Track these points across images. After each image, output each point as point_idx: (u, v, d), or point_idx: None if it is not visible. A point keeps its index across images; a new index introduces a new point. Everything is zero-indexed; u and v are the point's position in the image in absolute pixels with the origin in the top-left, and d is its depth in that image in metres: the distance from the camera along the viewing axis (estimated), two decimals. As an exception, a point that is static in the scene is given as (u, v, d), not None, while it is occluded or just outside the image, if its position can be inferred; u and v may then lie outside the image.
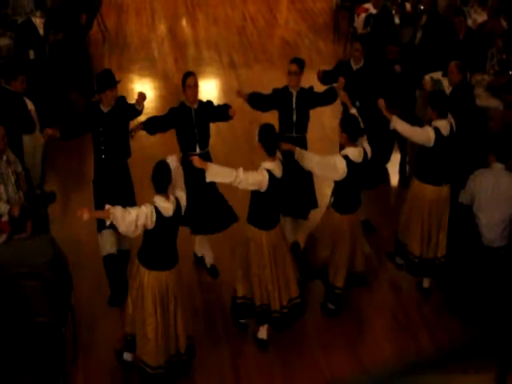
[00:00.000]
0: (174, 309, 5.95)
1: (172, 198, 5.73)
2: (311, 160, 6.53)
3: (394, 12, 11.27)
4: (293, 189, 7.27)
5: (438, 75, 9.37)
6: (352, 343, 6.76)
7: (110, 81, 6.81)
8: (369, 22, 11.33)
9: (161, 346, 5.93)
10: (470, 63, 8.91)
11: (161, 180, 5.68)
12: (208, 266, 7.68)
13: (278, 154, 6.32)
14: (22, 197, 6.99)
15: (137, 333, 6.03)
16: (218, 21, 14.89)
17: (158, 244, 5.83)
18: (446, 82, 8.74)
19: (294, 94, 7.48)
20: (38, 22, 10.46)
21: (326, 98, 7.69)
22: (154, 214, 5.62)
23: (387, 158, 9.52)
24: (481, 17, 11.02)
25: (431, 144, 6.83)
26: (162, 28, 14.64)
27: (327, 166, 6.47)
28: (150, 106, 11.26)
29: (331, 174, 6.55)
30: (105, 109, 6.89)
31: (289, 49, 13.30)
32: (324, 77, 8.15)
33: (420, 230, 7.12)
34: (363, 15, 11.90)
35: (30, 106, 8.01)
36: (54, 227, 7.90)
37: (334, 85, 7.71)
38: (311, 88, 7.59)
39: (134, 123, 7.23)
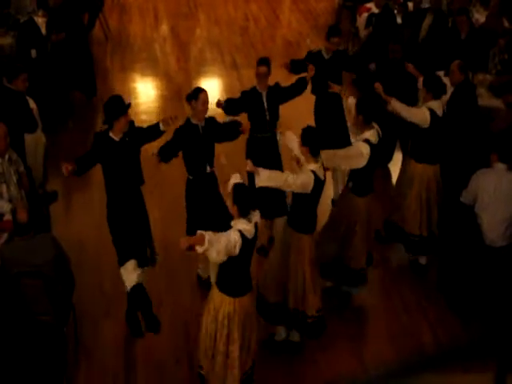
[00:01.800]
0: (249, 334, 5.81)
1: (254, 220, 5.47)
2: (336, 156, 6.54)
3: (396, 11, 11.25)
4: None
5: (440, 75, 9.36)
6: (353, 343, 6.75)
7: (123, 106, 6.36)
8: (371, 21, 11.32)
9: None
10: (472, 63, 8.90)
11: (245, 203, 5.42)
12: None
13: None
14: (24, 196, 6.99)
15: (215, 365, 5.81)
16: (220, 21, 14.87)
17: (241, 269, 5.61)
18: (448, 82, 8.73)
19: (264, 93, 7.51)
20: (41, 21, 10.48)
21: (295, 90, 7.77)
22: (241, 240, 5.34)
23: (389, 158, 9.52)
24: (483, 16, 11.01)
25: (427, 124, 7.11)
26: (164, 28, 14.63)
27: (353, 156, 6.50)
28: (153, 106, 11.29)
29: (357, 163, 6.57)
30: (116, 137, 6.40)
31: (291, 49, 13.29)
32: (293, 66, 8.20)
33: (418, 208, 7.39)
34: (365, 15, 11.89)
35: (32, 105, 8.02)
36: (55, 226, 7.91)
37: (306, 74, 7.83)
38: (277, 84, 7.64)
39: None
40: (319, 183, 6.12)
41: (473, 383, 3.40)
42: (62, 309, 6.26)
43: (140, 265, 6.74)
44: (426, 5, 11.23)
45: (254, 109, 7.48)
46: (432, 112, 7.11)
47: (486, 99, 8.87)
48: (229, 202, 5.47)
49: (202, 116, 6.84)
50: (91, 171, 9.43)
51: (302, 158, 6.20)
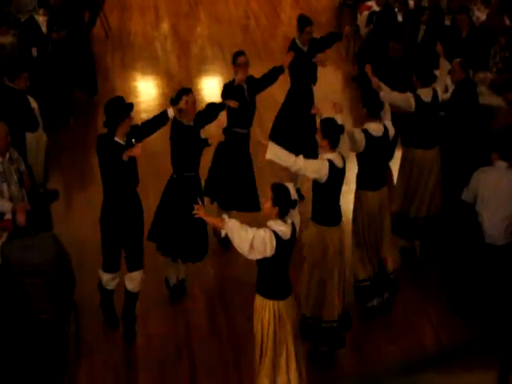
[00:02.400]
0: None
1: (289, 220, 5.37)
2: None
3: (396, 9, 11.26)
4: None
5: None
6: (354, 344, 6.74)
7: (126, 108, 6.15)
8: (372, 19, 11.34)
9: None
10: (472, 61, 8.90)
11: (286, 204, 5.30)
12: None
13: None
14: (25, 195, 7.00)
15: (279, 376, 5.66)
16: (221, 19, 14.87)
17: (280, 271, 5.48)
18: (448, 80, 8.74)
19: (245, 87, 7.44)
20: (41, 19, 10.48)
21: (270, 77, 7.76)
22: (274, 239, 5.24)
23: (390, 156, 9.50)
24: (483, 14, 11.01)
25: (412, 109, 7.33)
26: (165, 26, 14.64)
27: (347, 139, 6.49)
28: (153, 104, 11.29)
29: (352, 147, 6.56)
30: (121, 140, 6.16)
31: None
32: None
33: (404, 190, 7.66)
34: (366, 13, 11.91)
35: (33, 104, 8.02)
36: (56, 225, 7.92)
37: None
38: (252, 76, 7.56)
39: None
40: (337, 171, 6.08)
41: (476, 382, 3.40)
42: (64, 307, 6.26)
43: (132, 268, 6.62)
44: (426, 3, 11.25)
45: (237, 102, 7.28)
46: (417, 98, 7.32)
47: (486, 97, 8.87)
48: (267, 204, 5.31)
49: (193, 116, 6.74)
50: (92, 170, 9.48)
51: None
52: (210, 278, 7.58)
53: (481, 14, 11.10)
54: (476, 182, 6.95)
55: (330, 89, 11.18)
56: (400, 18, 11.02)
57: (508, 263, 6.79)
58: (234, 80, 7.44)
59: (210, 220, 5.51)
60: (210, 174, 7.84)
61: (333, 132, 6.09)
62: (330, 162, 6.02)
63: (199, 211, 5.47)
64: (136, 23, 14.56)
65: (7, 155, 6.84)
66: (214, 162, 7.79)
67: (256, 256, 5.30)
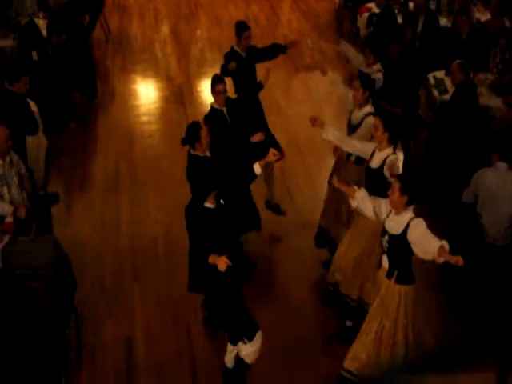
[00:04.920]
0: None
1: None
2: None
3: (396, 11, 11.26)
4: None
5: (441, 74, 9.38)
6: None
7: (215, 174, 5.75)
8: (372, 21, 11.34)
9: None
10: (473, 62, 8.91)
11: (414, 191, 5.54)
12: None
13: None
14: (26, 198, 7.00)
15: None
16: (220, 21, 14.87)
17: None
18: (448, 81, 8.75)
19: (224, 110, 7.32)
20: (41, 23, 10.51)
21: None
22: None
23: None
24: (484, 16, 11.02)
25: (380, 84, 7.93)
26: (165, 29, 14.64)
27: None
28: (154, 107, 11.30)
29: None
30: (211, 205, 5.75)
31: (292, 49, 13.26)
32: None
33: None
34: (366, 15, 11.91)
35: (34, 107, 8.01)
36: (57, 228, 7.91)
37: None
38: (228, 97, 7.47)
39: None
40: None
41: (474, 383, 3.39)
42: (64, 311, 6.26)
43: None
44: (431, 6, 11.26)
45: (219, 127, 7.12)
46: None
47: (486, 98, 8.86)
48: (395, 196, 5.48)
49: (207, 148, 6.55)
50: (92, 173, 9.48)
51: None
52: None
53: (481, 15, 11.11)
54: (476, 182, 6.94)
55: (328, 91, 11.18)
56: (400, 20, 11.03)
57: (509, 263, 6.79)
58: (212, 107, 7.34)
59: (344, 187, 6.02)
60: None
61: (395, 126, 6.29)
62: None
63: (335, 180, 6.05)
64: (136, 26, 14.57)
65: (7, 158, 6.85)
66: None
67: None
